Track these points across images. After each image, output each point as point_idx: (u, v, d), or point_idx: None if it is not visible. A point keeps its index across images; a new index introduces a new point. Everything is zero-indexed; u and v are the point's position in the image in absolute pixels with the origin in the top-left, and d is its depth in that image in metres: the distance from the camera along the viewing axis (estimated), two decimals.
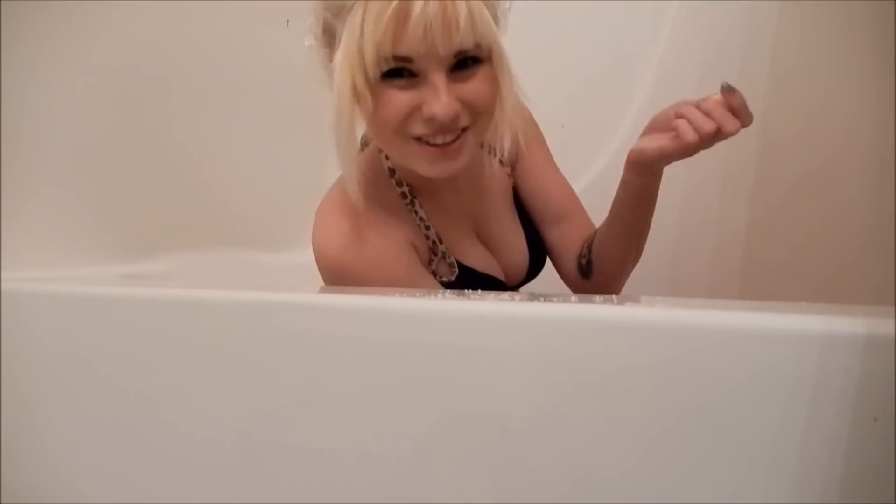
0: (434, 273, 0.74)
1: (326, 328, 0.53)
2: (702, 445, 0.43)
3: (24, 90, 0.79)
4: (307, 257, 1.26)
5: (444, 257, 0.74)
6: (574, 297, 0.52)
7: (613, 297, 0.51)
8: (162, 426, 0.60)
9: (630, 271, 0.83)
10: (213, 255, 1.08)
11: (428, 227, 0.74)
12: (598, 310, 0.47)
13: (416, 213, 0.73)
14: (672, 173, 1.20)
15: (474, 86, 0.63)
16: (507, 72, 0.65)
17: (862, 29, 0.99)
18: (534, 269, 0.86)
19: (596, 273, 0.83)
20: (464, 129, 0.64)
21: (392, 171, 0.73)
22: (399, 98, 0.61)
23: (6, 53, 0.76)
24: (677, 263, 1.22)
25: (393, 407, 0.51)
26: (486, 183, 0.82)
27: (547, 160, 0.87)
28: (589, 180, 1.19)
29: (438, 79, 0.60)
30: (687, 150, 0.67)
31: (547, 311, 0.47)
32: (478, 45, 0.61)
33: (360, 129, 0.81)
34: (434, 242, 0.74)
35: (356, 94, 0.61)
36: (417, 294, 0.56)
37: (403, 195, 0.73)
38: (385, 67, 0.60)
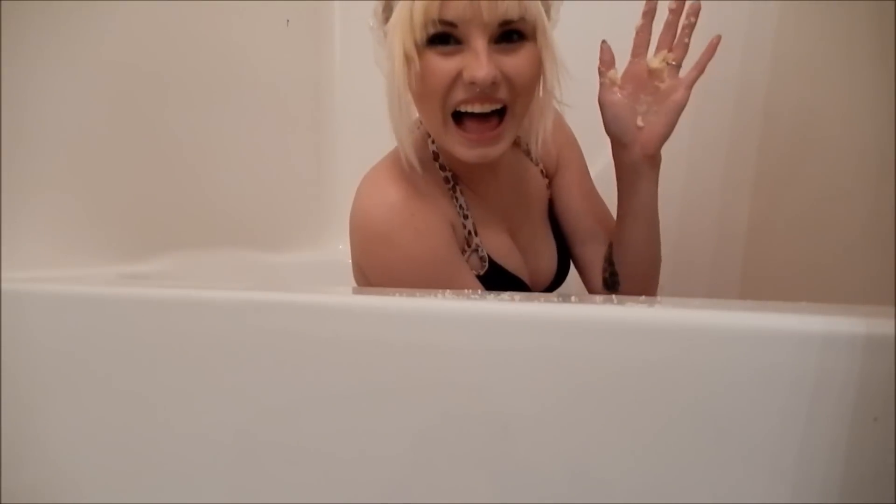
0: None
1: (326, 328, 0.53)
2: (701, 445, 0.43)
3: (24, 90, 0.79)
4: (307, 257, 1.27)
5: (476, 250, 0.74)
6: (574, 297, 0.52)
7: (613, 297, 0.51)
8: (162, 426, 0.60)
9: (656, 268, 0.81)
10: (213, 255, 1.08)
11: (466, 217, 0.74)
12: (598, 310, 0.47)
13: (456, 199, 0.74)
14: (672, 173, 1.20)
15: (517, 60, 0.64)
16: (551, 51, 0.66)
17: (862, 29, 0.99)
18: (558, 280, 0.86)
19: (623, 281, 0.82)
20: (503, 110, 0.66)
21: (436, 155, 0.74)
22: (443, 64, 0.63)
23: (7, 53, 0.76)
24: (677, 263, 1.21)
25: (393, 407, 0.51)
26: (526, 188, 0.83)
27: (584, 178, 0.88)
28: None
29: (480, 44, 0.62)
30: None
31: (547, 311, 0.47)
32: (522, 19, 0.63)
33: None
34: (470, 233, 0.74)
35: (406, 57, 0.63)
36: (417, 294, 0.56)
37: (446, 179, 0.74)
38: (432, 31, 0.62)
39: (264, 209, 1.20)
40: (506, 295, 0.52)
